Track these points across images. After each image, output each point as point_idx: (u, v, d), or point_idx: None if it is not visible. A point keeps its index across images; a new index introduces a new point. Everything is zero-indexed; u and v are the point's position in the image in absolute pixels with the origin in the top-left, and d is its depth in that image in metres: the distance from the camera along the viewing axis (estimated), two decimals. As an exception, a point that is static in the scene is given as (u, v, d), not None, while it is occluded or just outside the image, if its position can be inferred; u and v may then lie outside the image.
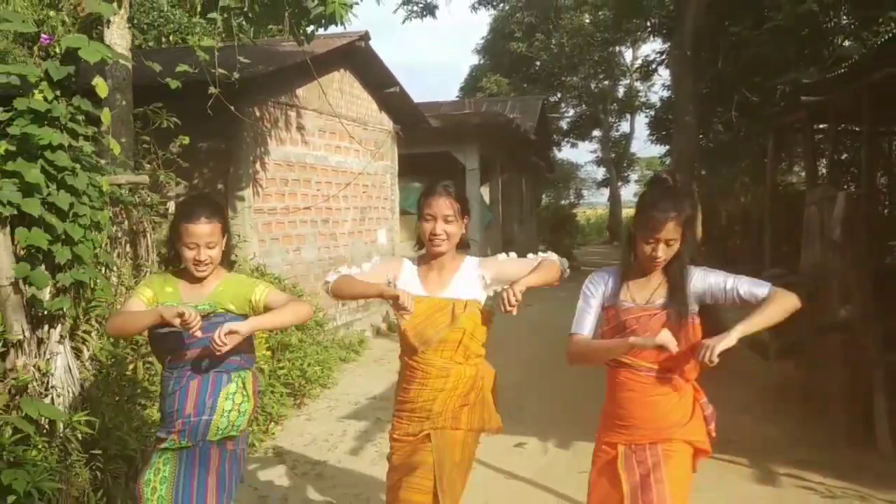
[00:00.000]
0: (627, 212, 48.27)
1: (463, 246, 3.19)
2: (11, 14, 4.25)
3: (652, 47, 48.23)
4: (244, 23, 6.34)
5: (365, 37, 10.06)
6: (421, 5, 16.56)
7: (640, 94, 36.19)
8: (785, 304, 2.73)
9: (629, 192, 43.19)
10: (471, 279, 3.14)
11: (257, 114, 8.44)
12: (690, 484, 2.97)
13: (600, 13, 31.12)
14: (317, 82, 8.76)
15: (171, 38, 12.09)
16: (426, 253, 3.15)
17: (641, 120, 35.46)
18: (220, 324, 2.82)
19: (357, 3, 6.11)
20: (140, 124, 6.26)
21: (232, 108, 6.07)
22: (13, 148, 3.67)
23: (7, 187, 3.62)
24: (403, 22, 17.53)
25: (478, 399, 3.12)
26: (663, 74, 23.04)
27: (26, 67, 3.73)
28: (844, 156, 11.35)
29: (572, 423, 6.42)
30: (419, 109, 12.50)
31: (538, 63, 34.27)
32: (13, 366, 3.76)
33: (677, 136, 16.63)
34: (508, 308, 2.87)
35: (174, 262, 3.08)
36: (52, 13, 4.84)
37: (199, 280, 3.01)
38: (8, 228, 3.71)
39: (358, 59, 10.53)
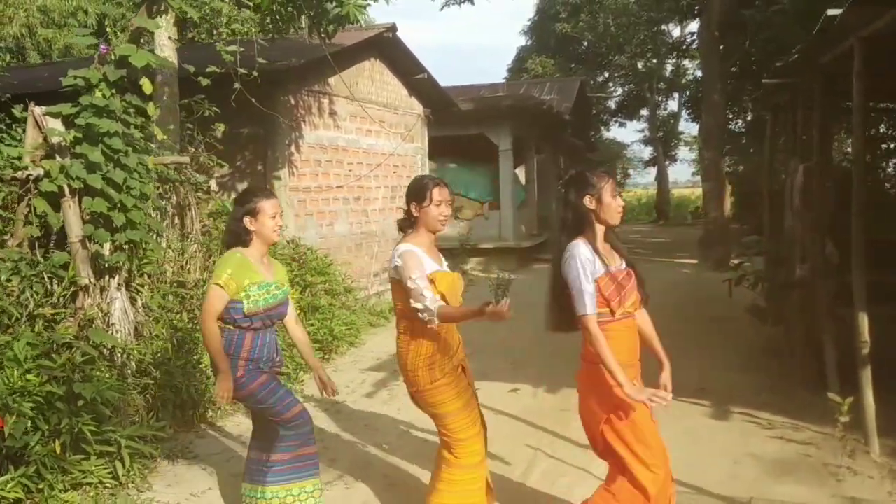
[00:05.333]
0: (678, 192, 48.26)
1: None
2: (82, 30, 5.29)
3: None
4: (274, 21, 7.26)
5: (392, 28, 10.96)
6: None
7: (687, 72, 36.10)
8: None
9: (676, 172, 43.04)
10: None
11: (292, 101, 9.43)
12: None
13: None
14: (348, 71, 9.69)
15: (222, 30, 13.17)
16: (415, 235, 3.78)
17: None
18: (286, 304, 3.86)
19: (370, 5, 6.98)
20: (184, 113, 7.29)
21: (253, 99, 7.05)
22: (80, 135, 4.72)
23: (76, 166, 4.67)
24: (441, 9, 18.27)
25: None
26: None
27: (89, 72, 4.76)
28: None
29: (565, 374, 7.25)
30: (447, 94, 13.34)
31: (585, 43, 34.52)
32: (82, 305, 4.83)
33: (706, 114, 17.13)
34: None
35: (243, 242, 3.84)
36: (108, 29, 5.87)
37: (265, 255, 3.88)
38: (77, 198, 4.76)
39: (387, 48, 11.45)
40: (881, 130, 12.56)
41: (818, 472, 4.77)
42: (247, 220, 3.80)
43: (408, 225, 3.82)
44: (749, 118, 18.32)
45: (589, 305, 3.23)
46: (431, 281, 3.63)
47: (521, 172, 19.55)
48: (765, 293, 8.21)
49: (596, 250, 3.33)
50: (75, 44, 15.39)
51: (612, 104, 38.58)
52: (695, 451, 5.17)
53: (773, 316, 7.47)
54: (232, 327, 3.78)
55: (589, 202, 3.36)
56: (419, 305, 3.49)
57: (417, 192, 3.75)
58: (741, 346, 8.45)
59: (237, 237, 3.84)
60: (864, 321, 5.19)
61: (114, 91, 4.81)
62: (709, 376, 7.19)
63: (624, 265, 3.43)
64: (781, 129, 8.82)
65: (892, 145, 12.35)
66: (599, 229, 3.39)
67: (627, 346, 3.37)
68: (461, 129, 16.07)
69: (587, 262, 3.28)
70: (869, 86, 5.41)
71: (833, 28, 5.29)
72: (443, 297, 3.61)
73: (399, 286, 3.65)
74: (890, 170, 12.63)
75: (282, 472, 3.90)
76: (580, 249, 3.31)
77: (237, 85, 6.82)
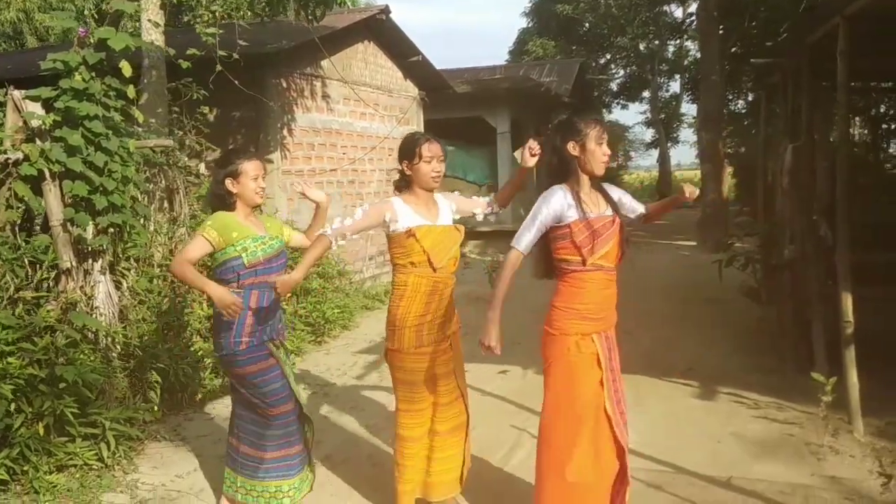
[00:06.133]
0: (681, 174, 48.05)
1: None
2: (60, 13, 5.28)
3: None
4: (264, 4, 7.24)
5: (385, 10, 10.90)
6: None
7: (689, 53, 35.84)
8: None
9: (679, 154, 42.85)
10: (447, 210, 3.90)
11: (284, 84, 9.40)
12: None
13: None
14: (341, 54, 9.65)
15: (208, 11, 13.12)
16: (409, 194, 3.79)
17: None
18: (284, 256, 3.85)
19: (354, -13, 6.93)
20: (172, 97, 7.28)
21: (237, 82, 7.03)
22: (59, 118, 4.71)
23: (56, 149, 4.67)
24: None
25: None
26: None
27: (68, 55, 4.75)
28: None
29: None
30: (442, 76, 13.28)
31: (586, 25, 34.29)
32: (64, 288, 4.85)
33: (704, 95, 17.04)
34: (534, 154, 3.62)
35: (227, 208, 3.81)
36: (85, 11, 5.85)
37: (250, 214, 3.85)
38: (57, 182, 4.76)
39: (380, 31, 11.39)
40: (882, 111, 12.51)
41: (800, 451, 4.77)
42: (228, 182, 3.77)
43: (403, 185, 3.82)
44: (750, 99, 18.20)
45: (522, 242, 3.29)
46: (412, 234, 3.65)
47: (519, 155, 19.46)
48: (756, 274, 8.20)
49: (577, 195, 3.30)
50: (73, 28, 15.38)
51: (613, 86, 38.39)
52: (679, 430, 5.18)
53: (766, 296, 7.46)
54: (236, 286, 3.72)
55: (573, 148, 3.31)
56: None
57: (407, 149, 3.75)
58: (733, 327, 8.44)
59: (221, 200, 3.81)
60: (848, 301, 5.17)
61: (93, 74, 4.80)
62: (698, 357, 7.20)
63: (609, 212, 3.36)
64: (776, 108, 8.78)
65: (893, 126, 12.29)
66: (584, 178, 3.34)
67: (596, 299, 3.33)
68: (459, 111, 16.04)
69: (553, 208, 3.28)
70: (868, 66, 5.39)
71: (819, 7, 5.26)
72: (426, 253, 3.65)
73: (388, 238, 3.75)
74: (892, 150, 12.58)
75: (274, 469, 3.86)
76: (552, 194, 3.30)
77: (219, 67, 6.80)
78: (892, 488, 4.19)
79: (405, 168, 3.75)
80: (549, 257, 3.42)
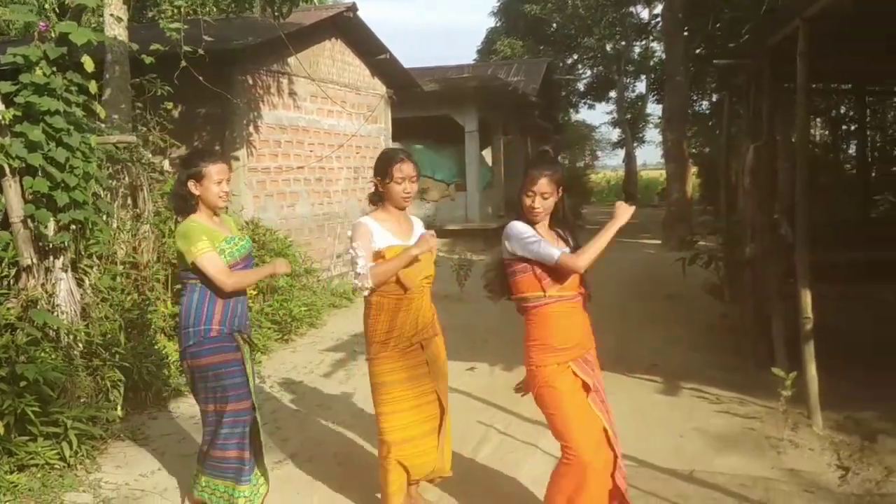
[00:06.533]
0: (647, 174, 48.54)
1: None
2: (20, 7, 5.19)
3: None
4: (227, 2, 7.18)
5: (352, 8, 10.87)
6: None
7: (655, 54, 36.21)
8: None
9: (645, 154, 43.33)
10: (420, 230, 3.91)
11: (250, 81, 9.33)
12: None
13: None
14: (308, 51, 9.61)
15: (181, 10, 12.99)
16: (381, 210, 3.81)
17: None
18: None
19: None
20: (136, 93, 7.19)
21: (201, 78, 6.96)
22: (19, 113, 4.64)
23: (16, 145, 4.60)
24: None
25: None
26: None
27: (28, 49, 4.67)
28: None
29: (522, 353, 7.31)
30: (410, 74, 13.28)
31: (554, 25, 34.51)
32: (25, 286, 4.77)
33: (668, 95, 17.26)
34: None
35: (189, 209, 3.75)
36: (46, 5, 5.73)
37: (213, 216, 3.80)
38: (17, 178, 4.68)
39: (348, 28, 11.35)
40: (841, 112, 12.77)
41: (760, 444, 4.87)
42: (191, 184, 3.71)
43: (377, 199, 3.84)
44: (714, 100, 18.47)
45: (554, 252, 3.28)
46: (382, 256, 3.65)
47: (487, 154, 19.56)
48: (719, 272, 8.33)
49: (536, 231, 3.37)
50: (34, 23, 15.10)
51: (580, 86, 38.69)
52: (642, 425, 5.25)
53: (728, 294, 7.59)
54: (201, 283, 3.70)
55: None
56: (353, 272, 3.64)
57: (381, 167, 3.76)
58: (696, 324, 8.57)
59: (183, 201, 3.75)
60: (807, 297, 5.28)
61: (55, 69, 4.72)
62: (662, 353, 7.31)
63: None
64: (739, 109, 8.93)
65: (852, 127, 12.56)
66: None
67: (564, 328, 3.38)
68: (427, 110, 16.04)
69: (524, 230, 3.35)
70: (829, 68, 5.50)
71: (779, 9, 5.35)
72: (398, 275, 3.64)
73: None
74: (851, 151, 12.85)
75: (250, 470, 3.82)
76: (514, 225, 3.38)
77: (183, 63, 6.73)
78: (849, 480, 4.30)
79: (378, 184, 3.77)
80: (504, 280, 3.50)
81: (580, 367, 3.39)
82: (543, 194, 3.34)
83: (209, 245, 3.62)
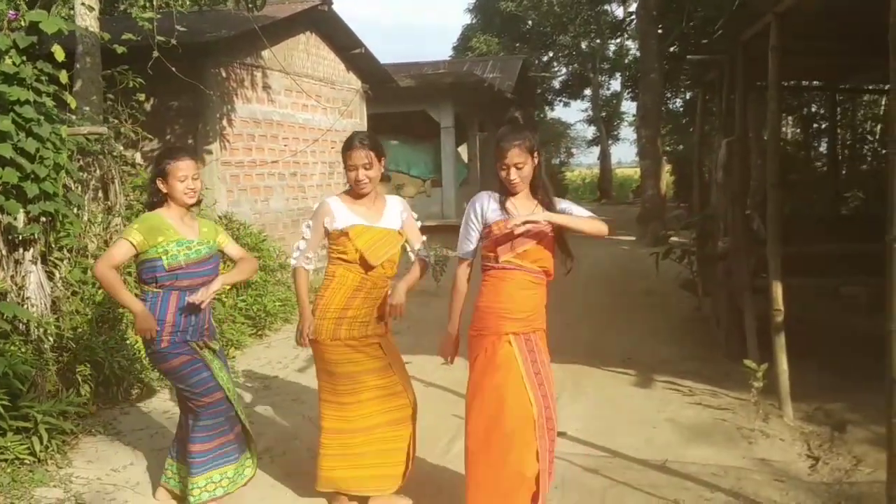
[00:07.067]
0: (622, 171, 48.82)
1: (383, 179, 3.97)
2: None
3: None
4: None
5: (327, 1, 10.80)
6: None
7: (629, 52, 36.40)
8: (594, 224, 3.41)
9: (621, 152, 43.62)
10: (395, 213, 3.89)
11: (223, 74, 9.24)
12: None
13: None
14: (282, 44, 9.54)
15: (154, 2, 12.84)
16: (350, 192, 3.81)
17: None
18: (215, 262, 3.82)
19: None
20: (107, 84, 7.09)
21: (174, 69, 6.88)
22: (-12, 103, 4.55)
23: (-17, 135, 4.51)
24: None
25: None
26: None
27: (-3, 38, 4.59)
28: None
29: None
30: (385, 69, 13.24)
31: (529, 22, 34.57)
32: (-7, 278, 4.69)
33: (642, 93, 17.37)
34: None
35: (157, 203, 3.79)
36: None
37: (185, 215, 3.81)
38: (-15, 168, 4.60)
39: (323, 22, 11.29)
40: (813, 110, 12.94)
41: (731, 435, 4.92)
42: (159, 181, 3.75)
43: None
44: (688, 97, 18.63)
45: (462, 250, 3.50)
46: (345, 234, 3.68)
47: (463, 150, 19.57)
48: (692, 266, 8.42)
49: (502, 201, 3.40)
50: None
51: (556, 84, 38.76)
52: (616, 417, 5.29)
53: (701, 288, 7.67)
54: (155, 288, 3.71)
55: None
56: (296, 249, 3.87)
57: (342, 151, 3.78)
58: (669, 318, 8.65)
59: (156, 196, 3.80)
60: (778, 291, 5.34)
61: (24, 58, 4.64)
62: (636, 347, 7.36)
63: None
64: (712, 106, 9.01)
65: (823, 125, 12.73)
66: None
67: (515, 298, 3.37)
68: (403, 105, 16.01)
69: (478, 209, 3.44)
70: (800, 65, 5.56)
71: (752, 3, 5.40)
72: (360, 253, 3.66)
73: (328, 235, 3.81)
74: (822, 148, 13.04)
75: (204, 462, 3.83)
76: (478, 199, 3.47)
77: (156, 53, 6.65)
78: (819, 469, 4.36)
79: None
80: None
81: (519, 342, 3.37)
82: (517, 164, 3.32)
83: (137, 237, 3.65)
